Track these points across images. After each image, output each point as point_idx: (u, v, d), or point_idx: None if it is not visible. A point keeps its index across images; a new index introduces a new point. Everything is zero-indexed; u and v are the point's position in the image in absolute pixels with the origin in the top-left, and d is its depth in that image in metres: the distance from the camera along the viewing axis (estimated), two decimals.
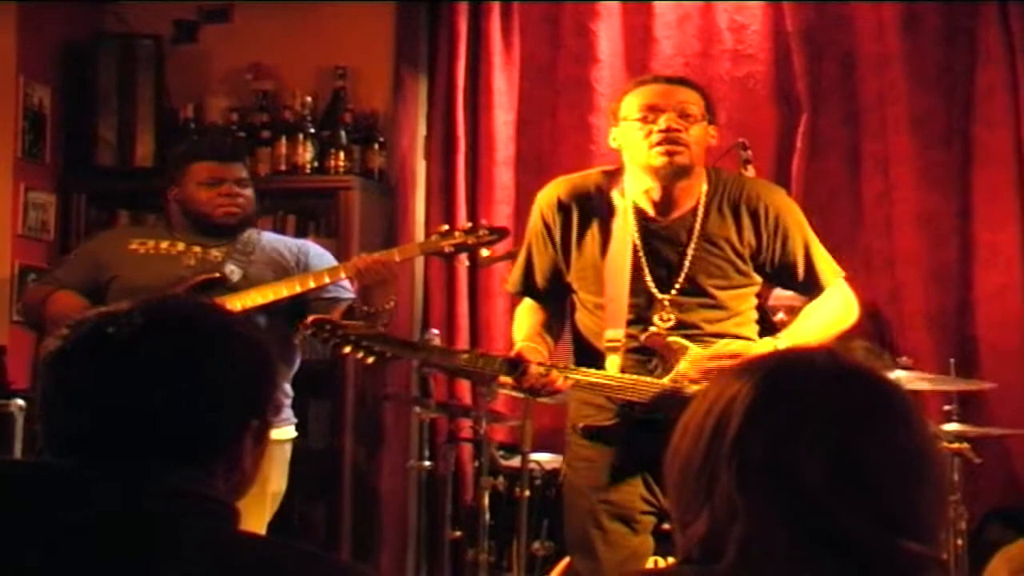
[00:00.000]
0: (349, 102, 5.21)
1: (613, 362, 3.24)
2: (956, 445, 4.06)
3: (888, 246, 4.93)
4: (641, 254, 3.28)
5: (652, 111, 3.21)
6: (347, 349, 3.31)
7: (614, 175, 3.36)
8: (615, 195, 3.32)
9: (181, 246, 3.91)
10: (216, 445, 1.49)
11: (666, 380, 3.23)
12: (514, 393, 4.00)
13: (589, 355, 3.31)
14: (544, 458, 4.42)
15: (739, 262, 3.29)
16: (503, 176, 5.21)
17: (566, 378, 3.23)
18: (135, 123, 5.21)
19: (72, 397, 1.47)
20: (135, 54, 5.25)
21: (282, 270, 3.89)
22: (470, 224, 3.79)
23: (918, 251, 4.87)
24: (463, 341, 5.02)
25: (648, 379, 3.24)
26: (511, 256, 4.12)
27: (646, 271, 3.28)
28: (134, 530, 1.38)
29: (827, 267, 3.37)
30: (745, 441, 1.32)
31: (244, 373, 1.52)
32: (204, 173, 3.88)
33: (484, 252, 3.75)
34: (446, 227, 3.82)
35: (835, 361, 1.38)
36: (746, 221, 3.29)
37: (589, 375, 3.25)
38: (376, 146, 5.22)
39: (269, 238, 4.06)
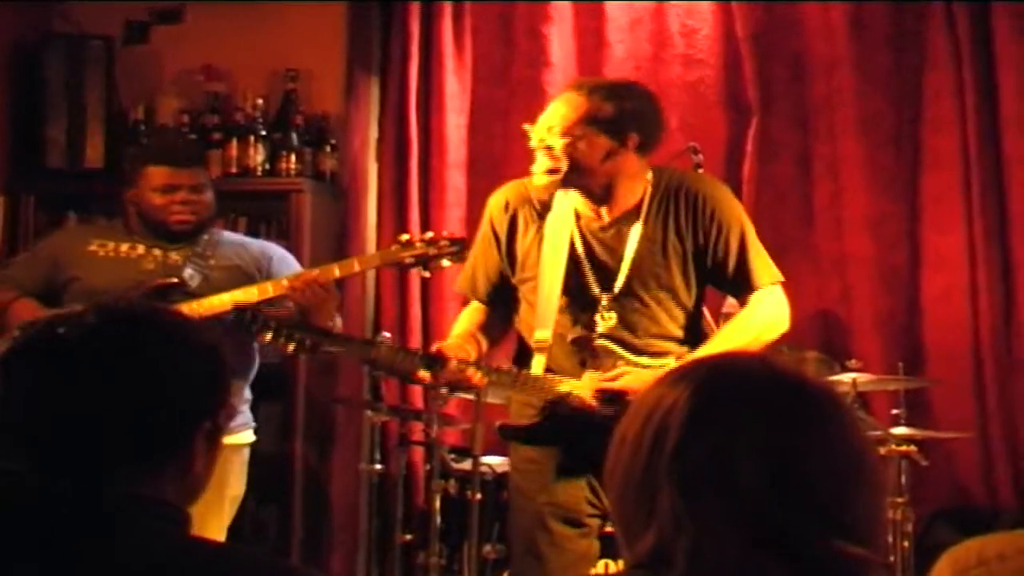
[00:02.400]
0: (301, 104, 5.19)
1: (539, 361, 3.29)
2: (903, 447, 4.09)
3: (838, 248, 4.97)
4: (582, 254, 3.31)
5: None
6: (268, 336, 3.35)
7: (556, 178, 3.38)
8: (559, 196, 3.35)
9: (141, 249, 3.89)
10: (167, 447, 1.49)
11: (575, 382, 3.28)
12: (464, 388, 4.02)
13: (530, 356, 3.35)
14: (495, 461, 4.42)
15: (680, 264, 3.33)
16: (455, 179, 5.21)
17: (483, 375, 3.27)
18: (85, 124, 5.16)
19: (20, 398, 1.47)
20: (85, 54, 5.20)
21: (243, 275, 3.87)
22: (431, 234, 3.74)
23: (867, 254, 4.91)
24: (415, 344, 5.01)
25: (557, 377, 3.29)
26: (462, 259, 4.14)
27: (588, 271, 3.31)
28: (72, 531, 1.38)
29: (763, 268, 3.37)
30: (685, 452, 1.32)
31: (196, 375, 1.52)
32: (159, 178, 3.86)
33: (445, 263, 3.70)
34: (406, 237, 3.76)
35: (768, 367, 1.38)
36: (684, 214, 3.32)
37: (502, 373, 3.29)
38: (328, 148, 5.20)
39: (230, 240, 4.04)
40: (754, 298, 3.36)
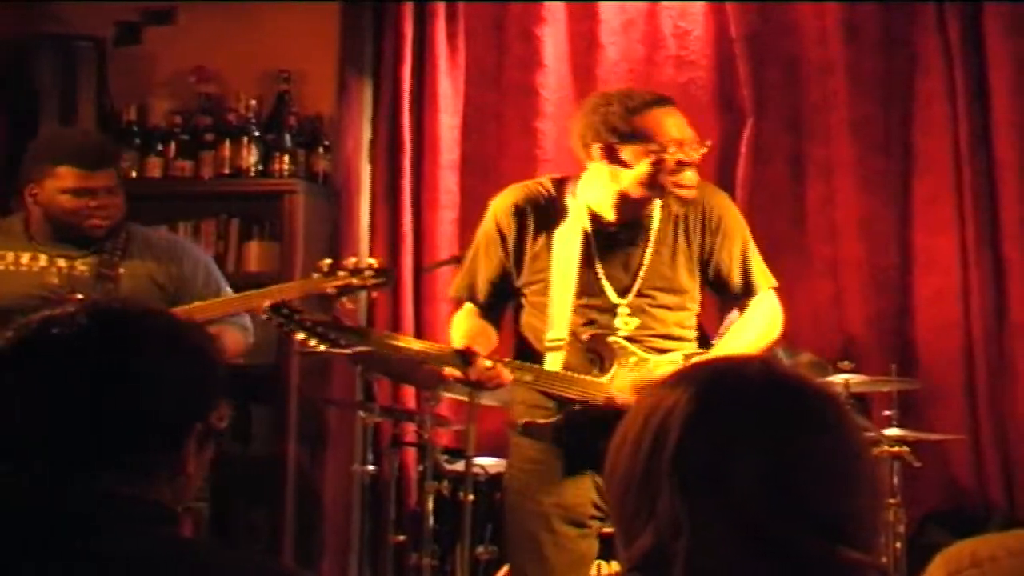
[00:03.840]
0: (294, 105, 5.19)
1: (556, 359, 3.29)
2: (896, 449, 4.10)
3: (830, 251, 4.98)
4: (597, 258, 3.32)
5: (679, 146, 3.25)
6: (300, 335, 3.29)
7: (564, 181, 3.43)
8: (568, 200, 3.37)
9: (44, 260, 3.69)
10: (159, 448, 1.48)
11: (604, 379, 3.27)
12: (457, 388, 4.01)
13: (531, 358, 3.35)
14: (488, 462, 4.42)
15: (688, 266, 3.37)
16: (448, 180, 5.21)
17: (512, 371, 3.27)
18: (76, 125, 5.14)
19: (11, 398, 1.46)
20: (76, 56, 5.19)
21: (152, 284, 3.72)
22: (353, 262, 3.54)
23: (859, 256, 4.92)
24: None
25: (589, 378, 3.29)
26: (456, 261, 4.14)
27: (602, 274, 3.33)
28: (64, 532, 1.38)
29: (762, 275, 3.44)
30: (685, 454, 1.32)
31: (188, 376, 1.52)
32: (70, 180, 3.62)
33: (371, 294, 3.61)
34: (328, 263, 3.53)
35: (768, 370, 1.39)
36: (692, 221, 3.36)
37: (534, 369, 3.29)
38: (321, 149, 5.19)
39: (140, 243, 3.79)
40: (753, 303, 3.42)
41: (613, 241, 3.35)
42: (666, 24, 5.15)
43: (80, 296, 3.43)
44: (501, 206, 3.43)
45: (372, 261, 3.58)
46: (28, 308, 3.31)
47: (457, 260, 4.22)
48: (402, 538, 4.61)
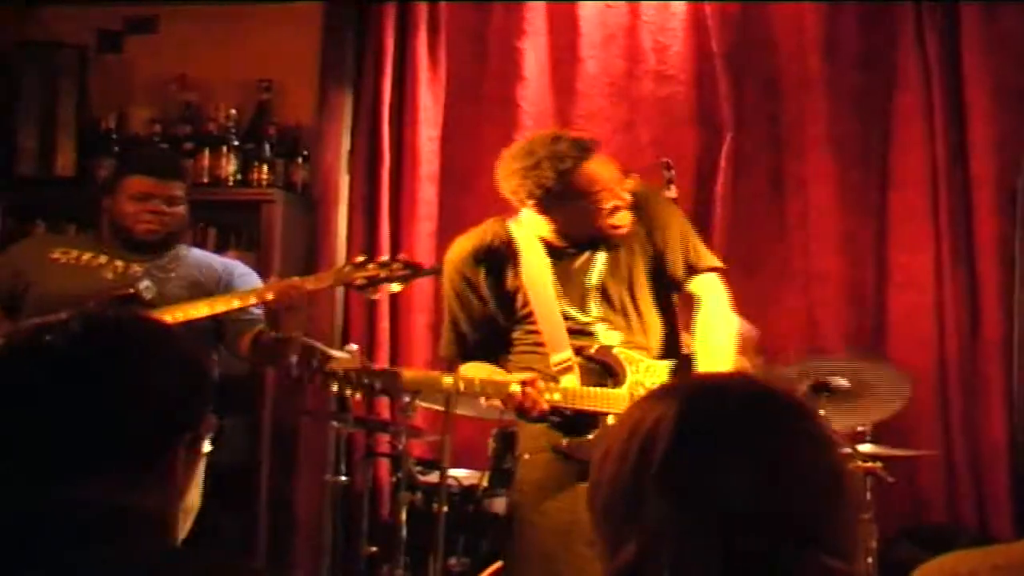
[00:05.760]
0: (274, 115, 5.20)
1: (571, 379, 3.31)
2: (869, 464, 4.11)
3: (807, 266, 4.99)
4: (557, 281, 3.37)
5: (611, 193, 3.35)
6: (334, 387, 3.39)
7: (504, 220, 3.51)
8: (515, 233, 3.44)
9: (103, 259, 3.87)
10: (148, 456, 1.48)
11: (623, 391, 3.30)
12: (431, 399, 4.04)
13: None
14: (462, 474, 4.42)
15: (645, 271, 3.42)
16: (427, 191, 5.22)
17: (552, 395, 3.30)
18: (56, 132, 5.16)
19: (3, 405, 1.46)
20: (58, 63, 5.20)
21: (200, 289, 3.86)
22: (386, 258, 3.79)
23: (836, 272, 4.94)
24: (383, 357, 5.01)
25: (609, 391, 3.34)
26: (436, 272, 4.15)
27: (563, 296, 3.38)
28: (53, 540, 1.38)
29: (703, 253, 3.48)
30: (672, 465, 1.33)
31: (179, 385, 1.52)
32: (137, 187, 3.86)
33: (395, 287, 3.76)
34: (362, 258, 3.80)
35: (751, 384, 1.41)
36: (636, 226, 3.41)
37: (560, 388, 3.31)
38: (300, 160, 5.20)
39: (196, 256, 4.04)
40: (700, 292, 3.45)
41: (570, 260, 3.41)
42: (646, 39, 5.17)
43: (130, 291, 3.71)
44: (458, 258, 3.48)
45: (403, 256, 3.80)
46: (82, 300, 3.52)
47: (436, 271, 4.23)
48: (374, 549, 4.59)
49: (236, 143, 5.13)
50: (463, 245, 3.50)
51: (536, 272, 3.39)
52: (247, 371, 4.79)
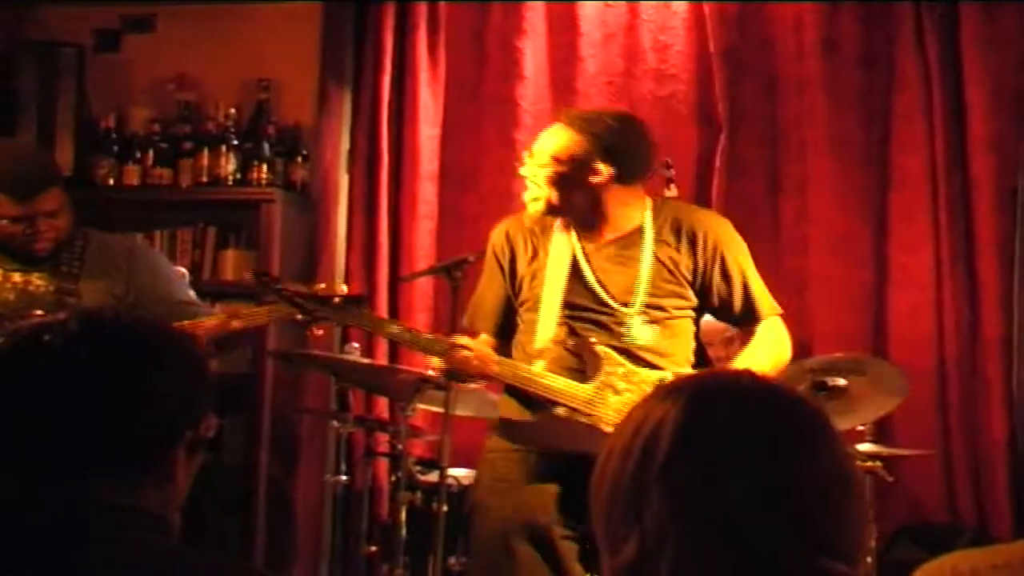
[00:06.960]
0: (273, 114, 5.19)
1: (539, 366, 3.35)
2: (869, 464, 4.11)
3: (805, 266, 4.99)
4: (586, 272, 3.40)
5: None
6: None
7: None
8: (551, 222, 3.48)
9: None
10: (149, 457, 1.48)
11: (589, 387, 3.28)
12: (431, 399, 4.05)
13: None
14: (462, 473, 4.41)
15: (681, 285, 3.41)
16: (426, 190, 5.21)
17: (498, 363, 3.34)
18: (55, 132, 5.15)
19: (7, 404, 1.46)
20: (56, 62, 5.19)
21: (112, 299, 3.63)
22: (323, 285, 3.56)
23: (834, 271, 4.93)
24: (382, 355, 5.00)
25: (569, 382, 3.33)
26: (433, 272, 4.17)
27: (592, 289, 3.39)
28: (53, 541, 1.38)
29: (765, 300, 3.50)
30: (675, 463, 1.32)
31: (180, 384, 1.52)
32: (6, 209, 3.54)
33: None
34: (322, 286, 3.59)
35: (757, 384, 1.40)
36: (684, 246, 3.41)
37: (513, 364, 3.37)
38: (299, 159, 5.20)
39: (96, 252, 3.72)
40: (763, 327, 3.48)
41: (601, 257, 3.42)
42: (646, 38, 5.17)
43: (40, 313, 3.25)
44: (495, 237, 3.57)
45: (344, 287, 3.57)
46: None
47: (434, 271, 4.23)
48: (374, 549, 4.59)
49: (235, 142, 5.12)
50: (502, 226, 3.58)
51: (558, 258, 3.42)
52: (246, 370, 4.80)
